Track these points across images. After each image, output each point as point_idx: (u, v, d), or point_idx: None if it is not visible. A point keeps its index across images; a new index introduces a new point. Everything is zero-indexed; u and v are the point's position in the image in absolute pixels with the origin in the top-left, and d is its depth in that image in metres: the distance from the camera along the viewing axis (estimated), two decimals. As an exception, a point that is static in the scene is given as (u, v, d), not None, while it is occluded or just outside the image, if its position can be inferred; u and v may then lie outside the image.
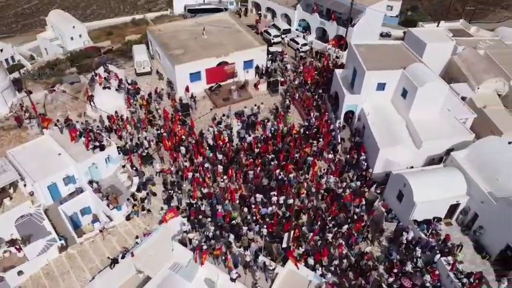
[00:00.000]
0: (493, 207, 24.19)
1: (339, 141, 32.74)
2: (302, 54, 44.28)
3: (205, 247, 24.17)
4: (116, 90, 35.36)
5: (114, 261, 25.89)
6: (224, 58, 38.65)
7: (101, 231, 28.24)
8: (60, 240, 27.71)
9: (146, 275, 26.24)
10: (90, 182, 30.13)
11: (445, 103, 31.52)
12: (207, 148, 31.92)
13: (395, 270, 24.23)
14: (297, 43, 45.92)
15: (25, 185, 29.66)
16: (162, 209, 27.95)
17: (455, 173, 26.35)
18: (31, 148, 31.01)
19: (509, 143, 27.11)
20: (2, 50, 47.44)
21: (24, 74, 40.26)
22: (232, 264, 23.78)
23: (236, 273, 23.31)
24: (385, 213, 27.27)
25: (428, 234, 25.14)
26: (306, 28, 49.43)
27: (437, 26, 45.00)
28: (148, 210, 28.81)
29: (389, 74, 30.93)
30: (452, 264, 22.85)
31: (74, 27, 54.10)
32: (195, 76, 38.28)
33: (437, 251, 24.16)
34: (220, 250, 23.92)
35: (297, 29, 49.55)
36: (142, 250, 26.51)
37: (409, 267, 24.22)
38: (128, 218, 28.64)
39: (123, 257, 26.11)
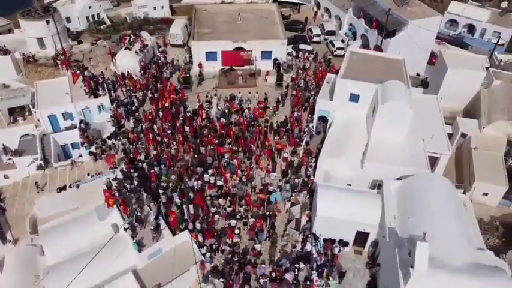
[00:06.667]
0: (386, 244, 21.83)
1: (302, 143, 31.99)
2: (330, 57, 43.21)
3: (116, 194, 26.99)
4: (136, 53, 39.95)
5: (62, 188, 30.46)
6: (241, 44, 40.26)
7: (71, 163, 33.23)
8: (41, 160, 33.48)
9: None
10: (81, 122, 35.29)
11: (428, 131, 28.64)
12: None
13: (273, 274, 23.81)
14: (334, 45, 44.86)
15: (35, 112, 36.22)
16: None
17: (375, 200, 24.15)
18: (52, 84, 37.41)
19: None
20: (90, 7, 56.50)
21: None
22: (134, 218, 26.25)
23: (128, 223, 25.67)
24: (295, 221, 26.47)
25: (317, 251, 23.85)
26: (355, 33, 47.66)
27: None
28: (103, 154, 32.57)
29: (363, 86, 29.03)
30: (311, 285, 21.59)
31: (158, -2, 61.07)
32: (211, 56, 40.75)
33: (315, 270, 22.88)
34: (123, 201, 26.46)
35: (345, 33, 48.10)
36: (86, 186, 30.47)
37: (288, 276, 23.50)
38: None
39: (70, 187, 30.52)
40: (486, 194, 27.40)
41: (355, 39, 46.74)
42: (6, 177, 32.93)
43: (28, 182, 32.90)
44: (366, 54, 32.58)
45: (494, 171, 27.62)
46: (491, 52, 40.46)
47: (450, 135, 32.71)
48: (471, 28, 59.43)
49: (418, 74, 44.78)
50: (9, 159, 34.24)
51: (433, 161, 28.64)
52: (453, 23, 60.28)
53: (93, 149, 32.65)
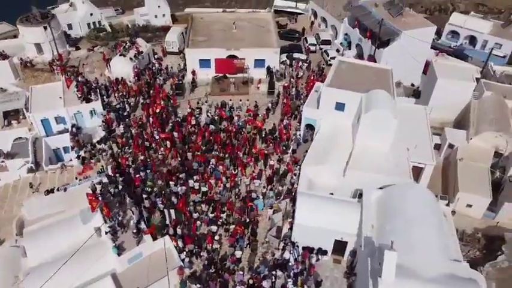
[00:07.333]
0: (362, 254, 21.71)
1: (289, 151, 32.05)
2: (324, 66, 43.38)
3: (100, 198, 27.21)
4: (130, 59, 40.54)
5: (50, 191, 30.77)
6: (234, 52, 40.59)
7: (61, 167, 33.63)
8: (32, 163, 33.92)
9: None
10: (73, 126, 35.74)
11: (414, 141, 28.55)
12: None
13: (251, 282, 23.77)
14: (328, 55, 45.08)
15: (28, 116, 36.78)
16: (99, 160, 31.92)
17: (355, 209, 24.03)
18: (46, 88, 38.00)
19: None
20: (91, 14, 57.49)
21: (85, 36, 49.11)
22: (116, 222, 26.44)
23: (109, 227, 25.86)
24: (276, 228, 26.43)
25: (294, 259, 23.78)
26: (350, 43, 47.82)
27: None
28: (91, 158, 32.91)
29: (348, 95, 29.06)
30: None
31: (159, 6, 61.81)
32: (205, 63, 41.13)
33: (291, 278, 22.80)
34: (106, 205, 26.66)
35: (341, 43, 48.27)
36: (74, 190, 30.74)
37: (265, 284, 23.43)
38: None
39: (58, 190, 30.83)
40: (470, 206, 27.15)
41: (350, 48, 46.86)
42: (-3, 179, 33.45)
43: (19, 184, 33.36)
44: (353, 64, 32.69)
45: (478, 183, 27.39)
46: (485, 63, 40.27)
47: (439, 146, 32.68)
48: (472, 40, 59.18)
49: (412, 84, 44.73)
50: (2, 161, 34.80)
51: (418, 172, 28.58)
52: (455, 34, 60.12)
53: (82, 153, 32.99)
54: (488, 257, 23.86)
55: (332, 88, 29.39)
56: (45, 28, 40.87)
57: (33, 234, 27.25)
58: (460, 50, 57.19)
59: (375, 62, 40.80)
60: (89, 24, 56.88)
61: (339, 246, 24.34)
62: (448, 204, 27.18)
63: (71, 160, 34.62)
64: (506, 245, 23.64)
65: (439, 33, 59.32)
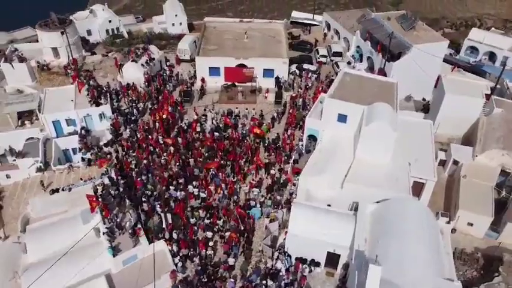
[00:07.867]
0: (352, 267, 21.41)
1: (291, 161, 31.99)
2: (333, 77, 43.24)
3: (100, 199, 27.77)
4: (142, 65, 41.46)
5: (55, 191, 31.60)
6: (243, 61, 41.02)
7: (68, 167, 34.50)
8: (41, 163, 34.91)
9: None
10: (82, 128, 36.68)
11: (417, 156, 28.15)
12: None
13: (242, 290, 23.77)
14: (338, 67, 45.00)
15: (41, 117, 37.90)
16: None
17: (349, 222, 23.72)
18: (60, 91, 39.27)
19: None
20: (110, 21, 59.13)
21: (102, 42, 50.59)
22: (115, 224, 26.90)
23: (106, 228, 26.33)
24: (272, 238, 26.33)
25: (286, 269, 23.62)
26: (362, 56, 47.60)
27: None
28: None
29: (350, 107, 28.89)
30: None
31: (176, 15, 63.05)
32: (214, 71, 41.72)
33: (282, 288, 22.68)
34: (105, 206, 27.17)
35: (352, 55, 48.13)
36: (78, 190, 31.49)
37: (256, 293, 23.39)
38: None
39: (63, 190, 31.62)
40: (471, 224, 26.45)
41: (361, 61, 46.65)
42: (8, 176, 34.52)
43: (27, 182, 34.34)
44: (358, 76, 32.49)
45: (480, 201, 26.68)
46: (497, 79, 39.34)
47: (445, 162, 32.09)
48: (492, 56, 58.01)
49: (423, 99, 44.07)
50: (14, 160, 35.94)
51: (420, 187, 28.07)
52: (474, 50, 59.10)
53: (88, 155, 33.76)
54: (486, 277, 23.14)
55: (334, 100, 29.28)
56: (62, 33, 42.28)
57: (35, 231, 28.03)
58: (477, 66, 56.05)
59: (385, 75, 40.42)
60: (107, 31, 58.56)
61: (332, 259, 24.04)
62: (449, 222, 26.62)
63: (78, 162, 35.50)
64: (503, 267, 22.93)
65: (457, 49, 58.49)
